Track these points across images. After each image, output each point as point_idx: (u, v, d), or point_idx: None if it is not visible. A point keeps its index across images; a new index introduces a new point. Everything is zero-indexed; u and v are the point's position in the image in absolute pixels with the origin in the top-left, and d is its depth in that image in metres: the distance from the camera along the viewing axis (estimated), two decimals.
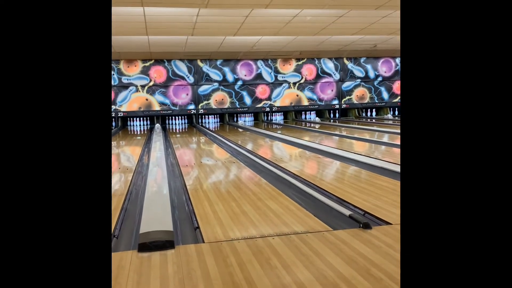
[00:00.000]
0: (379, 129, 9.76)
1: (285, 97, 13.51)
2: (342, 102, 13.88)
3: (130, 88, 12.42)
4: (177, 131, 11.44)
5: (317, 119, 13.53)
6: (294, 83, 13.53)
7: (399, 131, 8.15)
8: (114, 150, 7.35)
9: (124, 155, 7.04)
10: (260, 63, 13.16)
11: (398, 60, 14.15)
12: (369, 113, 14.35)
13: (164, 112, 12.69)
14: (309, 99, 13.68)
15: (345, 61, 13.75)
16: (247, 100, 13.23)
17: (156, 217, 2.83)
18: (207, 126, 12.35)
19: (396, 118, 13.07)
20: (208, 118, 13.24)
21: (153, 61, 12.42)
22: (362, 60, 13.87)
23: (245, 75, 13.12)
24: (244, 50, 11.27)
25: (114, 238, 2.55)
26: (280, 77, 13.37)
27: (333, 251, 2.21)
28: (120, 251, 2.31)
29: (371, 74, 14.01)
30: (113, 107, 12.32)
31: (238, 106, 13.18)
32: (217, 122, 13.33)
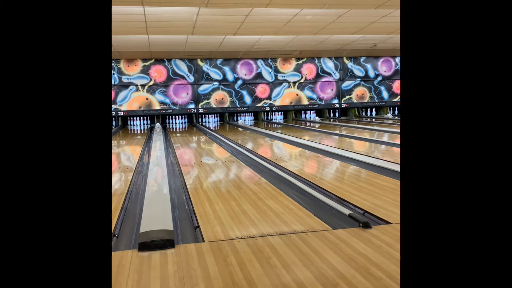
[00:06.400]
0: (379, 128, 9.76)
1: (285, 97, 13.51)
2: (342, 102, 13.88)
3: (130, 87, 12.42)
4: (177, 130, 11.44)
5: (317, 119, 13.52)
6: (294, 83, 13.52)
7: (399, 130, 8.16)
8: (114, 150, 7.35)
9: (124, 154, 7.04)
10: (260, 62, 13.16)
11: (398, 59, 14.15)
12: (369, 113, 14.35)
13: (164, 111, 12.69)
14: (309, 98, 13.68)
15: (345, 60, 13.75)
16: (247, 99, 13.23)
17: (156, 216, 2.83)
18: (207, 126, 12.35)
19: (396, 117, 13.07)
20: (208, 117, 13.24)
21: (153, 60, 12.42)
22: (362, 59, 13.86)
23: (245, 75, 13.12)
24: (244, 49, 11.27)
25: (114, 237, 2.55)
26: (280, 77, 13.37)
27: (333, 250, 2.22)
28: (120, 250, 2.31)
29: (371, 74, 14.00)
30: (113, 106, 12.32)
31: (238, 106, 13.18)
32: (217, 121, 13.33)
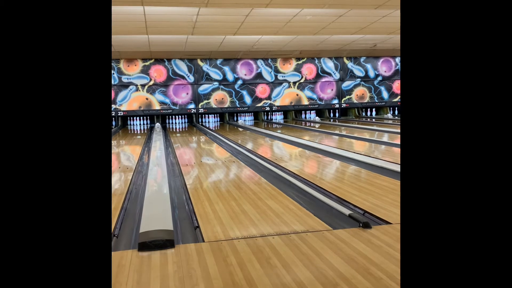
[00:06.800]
0: (379, 128, 9.76)
1: (285, 97, 13.51)
2: (342, 102, 13.88)
3: (130, 87, 12.42)
4: (177, 130, 11.44)
5: (317, 119, 13.52)
6: (294, 83, 13.52)
7: (399, 130, 8.15)
8: (114, 149, 7.35)
9: (124, 154, 7.04)
10: (260, 62, 13.16)
11: (398, 59, 14.14)
12: (369, 113, 14.35)
13: (164, 111, 12.69)
14: (309, 98, 13.68)
15: (345, 60, 13.75)
16: (247, 99, 13.23)
17: (156, 216, 2.83)
18: (207, 126, 12.34)
19: (396, 117, 13.07)
20: (208, 117, 13.24)
21: (153, 60, 12.42)
22: (362, 59, 13.86)
23: (245, 75, 13.12)
24: (244, 49, 11.27)
25: (114, 237, 2.55)
26: (280, 77, 13.37)
27: (333, 250, 2.22)
28: (120, 250, 2.31)
29: (371, 74, 14.01)
30: (113, 106, 12.32)
31: (238, 106, 13.18)
32: (217, 121, 13.33)
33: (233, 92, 13.10)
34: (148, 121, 12.84)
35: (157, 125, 12.22)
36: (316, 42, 10.61)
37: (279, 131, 10.02)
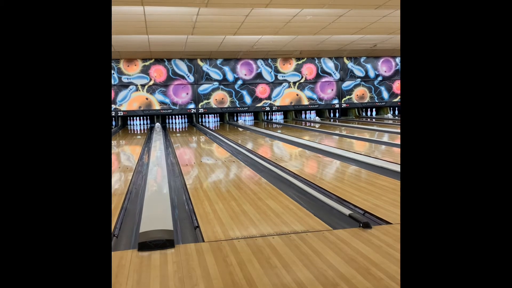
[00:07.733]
0: (379, 128, 9.76)
1: (285, 97, 13.51)
2: (342, 102, 13.88)
3: (130, 87, 12.42)
4: (177, 130, 11.44)
5: (317, 119, 13.52)
6: (294, 83, 13.52)
7: (399, 130, 8.15)
8: (114, 149, 7.34)
9: (124, 154, 7.04)
10: (260, 62, 13.16)
11: (398, 59, 14.14)
12: (369, 113, 14.35)
13: (164, 111, 12.69)
14: (309, 98, 13.68)
15: (345, 60, 13.75)
16: (247, 99, 13.23)
17: (156, 216, 2.83)
18: (207, 126, 12.34)
19: (396, 117, 13.07)
20: (208, 117, 13.25)
21: (153, 60, 12.42)
22: (362, 59, 13.86)
23: (245, 75, 13.12)
24: (244, 49, 11.27)
25: (114, 237, 2.55)
26: (280, 77, 13.37)
27: (333, 250, 2.22)
28: (120, 250, 2.31)
29: (371, 74, 14.01)
30: (113, 106, 12.32)
31: (238, 106, 13.18)
32: (217, 121, 13.33)
33: (233, 92, 13.10)
34: (148, 121, 12.84)
35: (157, 125, 12.23)
36: (316, 42, 10.61)
37: (279, 131, 10.02)
